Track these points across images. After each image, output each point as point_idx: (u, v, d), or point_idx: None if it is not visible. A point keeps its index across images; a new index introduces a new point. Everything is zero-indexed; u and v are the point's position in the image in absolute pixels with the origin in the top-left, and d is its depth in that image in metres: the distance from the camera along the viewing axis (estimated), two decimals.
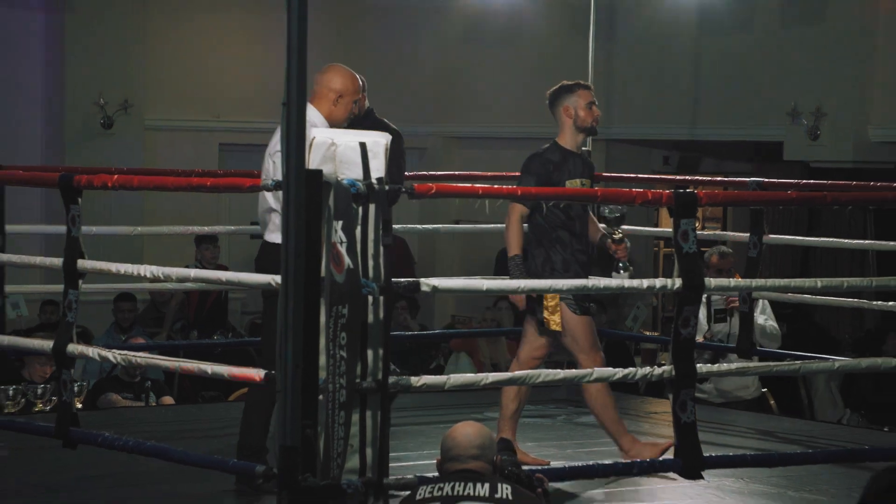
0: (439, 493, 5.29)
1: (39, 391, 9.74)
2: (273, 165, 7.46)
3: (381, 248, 6.33)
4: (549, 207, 7.96)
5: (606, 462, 7.63)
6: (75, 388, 8.27)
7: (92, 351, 8.20)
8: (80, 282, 7.70)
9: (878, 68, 14.28)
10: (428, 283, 6.91)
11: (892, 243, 9.95)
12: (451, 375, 7.57)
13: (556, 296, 7.79)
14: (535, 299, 7.92)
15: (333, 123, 7.65)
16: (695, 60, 15.01)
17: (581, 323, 7.94)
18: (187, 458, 7.50)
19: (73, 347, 7.71)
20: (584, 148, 10.14)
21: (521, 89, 15.72)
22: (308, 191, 5.53)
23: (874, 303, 9.82)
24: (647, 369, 7.37)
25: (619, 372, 7.48)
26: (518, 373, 7.55)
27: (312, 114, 7.52)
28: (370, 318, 6.29)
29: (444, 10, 15.32)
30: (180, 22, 15.65)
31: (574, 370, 7.96)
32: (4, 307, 9.49)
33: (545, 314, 7.82)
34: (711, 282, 7.45)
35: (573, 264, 7.89)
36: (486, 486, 5.29)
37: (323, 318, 5.98)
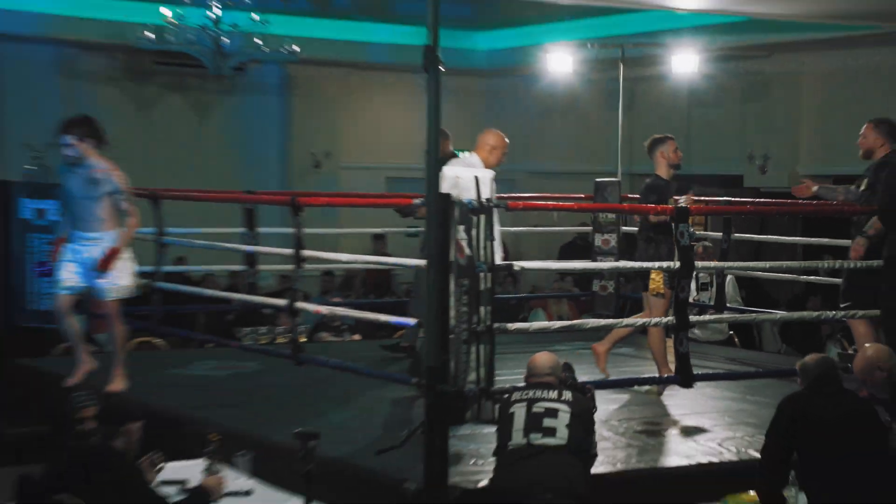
0: (525, 396, 5.31)
1: (279, 330, 9.83)
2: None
3: (489, 243, 6.35)
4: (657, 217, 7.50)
5: (633, 377, 7.63)
6: (301, 329, 8.36)
7: (310, 306, 8.31)
8: (303, 263, 7.83)
9: (803, 129, 14.10)
10: (518, 264, 6.99)
11: (814, 239, 9.85)
12: (533, 323, 7.61)
13: (661, 275, 7.34)
14: (647, 277, 7.46)
15: (488, 166, 7.39)
16: (686, 122, 14.82)
17: (668, 294, 7.49)
18: (370, 373, 7.65)
19: (299, 304, 7.83)
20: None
21: (574, 142, 15.65)
22: (441, 207, 5.51)
23: (801, 277, 9.69)
24: (658, 319, 7.34)
25: (640, 321, 7.49)
26: (570, 321, 7.46)
27: (475, 159, 7.44)
28: (482, 286, 6.30)
29: (524, 90, 15.21)
30: (361, 99, 15.66)
31: (611, 320, 7.93)
32: (258, 279, 9.57)
33: (653, 285, 7.38)
34: (699, 264, 7.40)
35: (667, 254, 7.48)
36: (555, 391, 5.30)
37: (452, 287, 5.99)
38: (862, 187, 7.42)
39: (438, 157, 5.35)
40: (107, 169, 7.12)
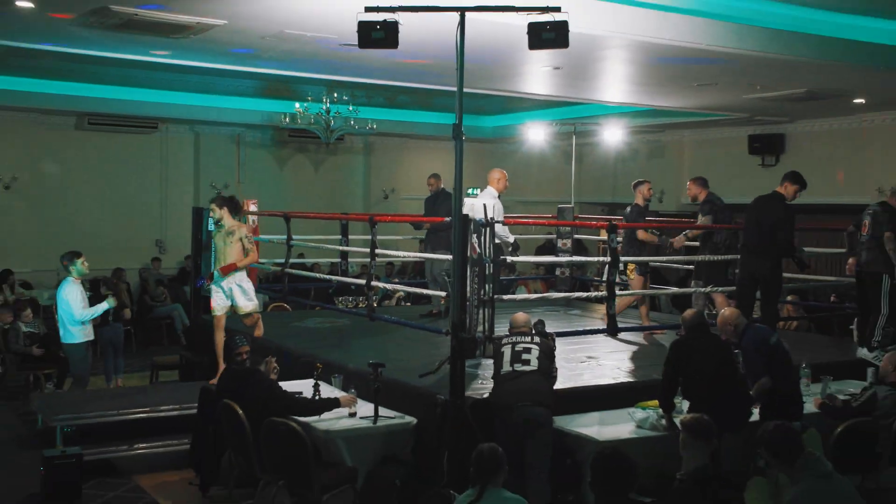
0: (511, 340, 5.23)
1: (361, 299, 9.70)
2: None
3: (491, 245, 6.23)
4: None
5: (580, 329, 7.44)
6: (374, 298, 8.22)
7: (380, 284, 8.15)
8: (376, 257, 7.69)
9: (684, 175, 13.81)
10: (510, 258, 6.85)
11: (692, 243, 9.57)
12: (518, 295, 7.44)
13: (634, 266, 7.14)
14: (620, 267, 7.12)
15: (499, 191, 7.31)
16: (613, 172, 14.65)
17: (640, 279, 7.45)
18: (417, 326, 7.40)
19: (373, 283, 7.68)
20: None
21: (544, 182, 15.39)
22: (462, 223, 5.42)
23: (684, 266, 9.41)
24: (596, 293, 7.17)
25: (585, 294, 7.32)
26: (542, 294, 7.26)
27: (491, 189, 7.38)
28: (487, 272, 6.18)
29: (514, 150, 14.97)
30: (413, 157, 15.43)
31: (576, 293, 7.70)
32: (348, 267, 9.44)
33: (629, 274, 7.18)
34: (620, 258, 7.22)
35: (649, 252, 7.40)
36: (529, 337, 5.22)
37: (468, 272, 5.89)
38: (701, 218, 7.40)
39: (461, 193, 5.25)
40: (236, 226, 6.80)
